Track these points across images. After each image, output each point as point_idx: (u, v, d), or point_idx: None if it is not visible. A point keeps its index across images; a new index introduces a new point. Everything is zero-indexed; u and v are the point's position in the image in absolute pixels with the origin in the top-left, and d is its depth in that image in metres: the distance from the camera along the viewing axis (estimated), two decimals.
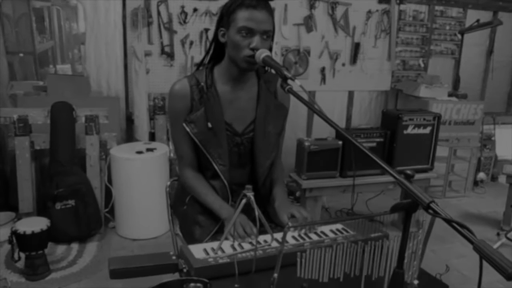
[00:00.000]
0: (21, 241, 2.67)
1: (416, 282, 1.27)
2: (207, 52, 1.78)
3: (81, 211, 3.20)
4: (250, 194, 1.15)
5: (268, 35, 1.57)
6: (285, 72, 1.37)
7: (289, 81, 1.37)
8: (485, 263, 0.80)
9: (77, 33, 5.20)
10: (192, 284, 1.15)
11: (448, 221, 0.84)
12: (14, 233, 2.67)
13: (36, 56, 4.69)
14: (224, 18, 1.61)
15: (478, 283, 0.91)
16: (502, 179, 4.80)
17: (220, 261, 1.29)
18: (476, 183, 4.89)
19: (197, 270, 1.25)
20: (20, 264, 2.83)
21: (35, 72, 4.67)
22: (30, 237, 2.65)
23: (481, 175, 4.91)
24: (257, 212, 1.13)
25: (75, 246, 3.20)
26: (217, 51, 1.74)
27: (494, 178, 5.18)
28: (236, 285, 1.15)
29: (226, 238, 1.40)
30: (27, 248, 2.70)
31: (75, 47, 5.34)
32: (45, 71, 4.89)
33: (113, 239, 3.36)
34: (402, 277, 0.97)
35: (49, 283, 2.74)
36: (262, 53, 1.48)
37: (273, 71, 1.79)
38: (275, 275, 1.01)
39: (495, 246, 3.31)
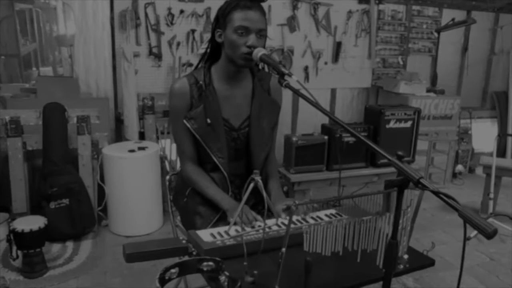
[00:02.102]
0: (19, 239, 2.72)
1: (406, 256, 1.40)
2: (204, 53, 1.89)
3: (75, 210, 3.26)
4: (258, 178, 1.26)
5: (262, 34, 1.69)
6: (282, 69, 1.48)
7: (286, 77, 1.49)
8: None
9: (57, 35, 5.22)
10: (205, 263, 1.25)
11: (436, 193, 0.97)
12: (12, 231, 2.72)
13: (21, 58, 4.71)
14: (220, 19, 1.73)
15: (463, 248, 1.04)
16: (479, 170, 5.02)
17: (228, 243, 1.40)
18: (454, 175, 5.10)
19: (207, 251, 1.36)
20: (17, 263, 2.87)
21: (20, 74, 4.69)
22: (28, 235, 2.70)
23: (459, 167, 5.12)
24: (264, 194, 1.24)
25: (70, 244, 3.26)
26: (214, 51, 1.85)
27: (471, 170, 5.40)
28: (245, 263, 1.26)
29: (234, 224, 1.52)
30: (25, 246, 2.75)
31: (56, 50, 5.35)
32: (29, 73, 4.90)
33: (107, 236, 3.43)
34: (396, 246, 1.09)
35: (47, 280, 2.79)
36: (259, 52, 1.60)
37: (266, 69, 1.93)
38: (283, 249, 1.12)
39: (473, 233, 3.50)
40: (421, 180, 1.00)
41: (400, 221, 1.30)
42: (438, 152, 4.93)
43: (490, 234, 0.87)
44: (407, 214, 1.30)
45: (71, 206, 3.26)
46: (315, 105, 1.35)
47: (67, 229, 3.25)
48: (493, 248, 3.39)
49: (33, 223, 2.76)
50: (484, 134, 5.53)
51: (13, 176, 3.33)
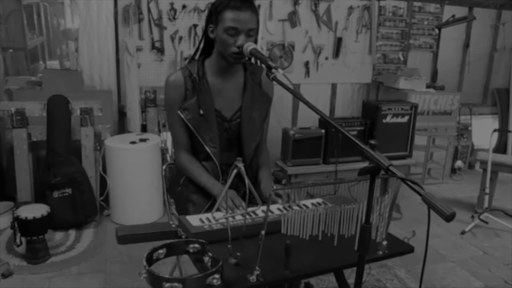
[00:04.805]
0: (22, 226, 2.82)
1: (385, 243, 1.46)
2: (198, 47, 1.96)
3: (77, 199, 3.35)
4: (241, 165, 1.33)
5: (252, 33, 1.76)
6: (270, 63, 1.56)
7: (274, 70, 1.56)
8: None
9: (64, 29, 5.31)
10: (191, 245, 1.33)
11: (403, 179, 1.04)
12: (16, 218, 2.82)
13: (28, 52, 4.81)
14: (213, 15, 1.80)
15: (427, 231, 1.11)
16: (478, 166, 5.05)
17: (214, 227, 1.47)
18: (454, 170, 5.12)
19: (195, 235, 1.43)
20: (21, 249, 2.97)
21: (27, 67, 4.79)
22: (31, 222, 2.80)
23: (459, 163, 5.15)
24: (247, 181, 1.32)
25: (72, 232, 3.35)
26: (207, 45, 1.92)
27: (471, 166, 5.42)
28: (229, 246, 1.33)
29: (218, 209, 1.59)
30: (29, 233, 2.85)
31: (62, 43, 5.44)
32: (36, 66, 5.00)
33: (108, 225, 3.52)
34: (369, 230, 1.16)
35: (50, 266, 2.89)
36: (249, 46, 1.68)
37: (258, 63, 1.99)
38: (263, 232, 1.20)
39: (468, 228, 3.55)
40: (390, 168, 1.07)
41: (377, 208, 1.37)
42: (437, 147, 4.96)
43: (448, 217, 0.93)
44: (384, 201, 1.37)
45: (74, 195, 3.36)
46: (299, 97, 1.41)
47: (69, 218, 3.34)
48: (487, 242, 3.45)
49: (36, 211, 2.85)
50: (485, 131, 5.53)
51: (18, 166, 3.43)
